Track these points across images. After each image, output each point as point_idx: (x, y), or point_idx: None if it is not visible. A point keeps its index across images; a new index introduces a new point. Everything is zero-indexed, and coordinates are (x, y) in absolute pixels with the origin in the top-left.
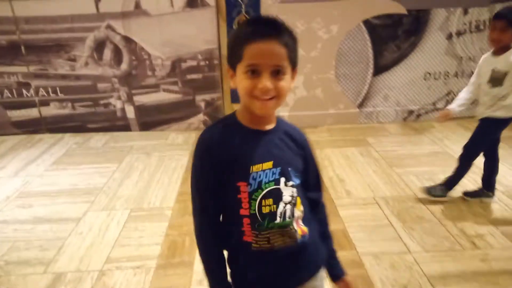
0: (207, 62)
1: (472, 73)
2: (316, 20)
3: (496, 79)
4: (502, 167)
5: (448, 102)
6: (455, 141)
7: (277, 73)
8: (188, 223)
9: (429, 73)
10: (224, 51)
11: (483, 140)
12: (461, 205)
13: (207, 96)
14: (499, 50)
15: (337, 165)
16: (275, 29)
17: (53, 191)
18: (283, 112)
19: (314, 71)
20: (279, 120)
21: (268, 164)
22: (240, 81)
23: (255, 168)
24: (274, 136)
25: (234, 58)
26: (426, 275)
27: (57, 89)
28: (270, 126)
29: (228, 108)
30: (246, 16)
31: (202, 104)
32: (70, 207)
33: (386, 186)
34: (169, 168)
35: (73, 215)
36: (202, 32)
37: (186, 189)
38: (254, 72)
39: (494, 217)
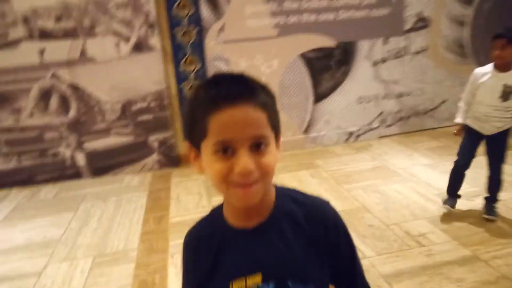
0: (157, 102)
1: (400, 94)
2: (257, 56)
3: (509, 93)
4: (434, 172)
5: (382, 122)
6: (392, 156)
7: (258, 147)
8: (156, 261)
9: (362, 97)
10: (173, 90)
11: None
12: (403, 210)
13: (160, 136)
14: (504, 67)
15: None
16: (246, 88)
17: (7, 248)
18: None
19: None
20: (279, 200)
21: (255, 278)
22: (209, 164)
23: (236, 285)
24: (267, 233)
25: (195, 135)
26: (382, 276)
27: (1, 142)
28: (261, 218)
29: (182, 146)
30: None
31: (155, 144)
32: (28, 262)
33: (338, 201)
34: (128, 210)
35: (32, 270)
36: (150, 74)
37: (149, 228)
38: (226, 150)
39: (432, 217)
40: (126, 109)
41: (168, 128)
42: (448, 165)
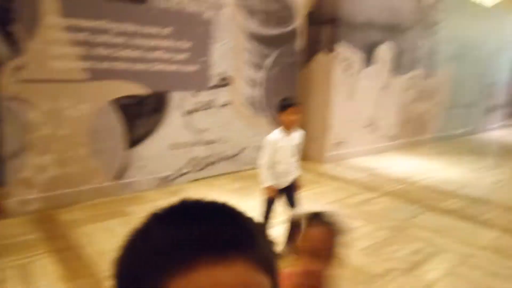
0: None
1: (209, 141)
2: (63, 99)
3: (295, 150)
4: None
5: (193, 167)
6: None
7: None
8: None
9: (174, 144)
10: None
11: None
12: None
13: None
14: (290, 129)
15: (99, 240)
16: (240, 231)
17: None
18: (30, 195)
19: (66, 149)
20: None
21: None
22: None
23: None
24: None
25: None
26: None
27: None
28: None
29: None
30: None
31: None
32: None
33: None
34: None
35: None
36: None
37: None
38: None
39: None
40: None
41: None
42: (248, 202)
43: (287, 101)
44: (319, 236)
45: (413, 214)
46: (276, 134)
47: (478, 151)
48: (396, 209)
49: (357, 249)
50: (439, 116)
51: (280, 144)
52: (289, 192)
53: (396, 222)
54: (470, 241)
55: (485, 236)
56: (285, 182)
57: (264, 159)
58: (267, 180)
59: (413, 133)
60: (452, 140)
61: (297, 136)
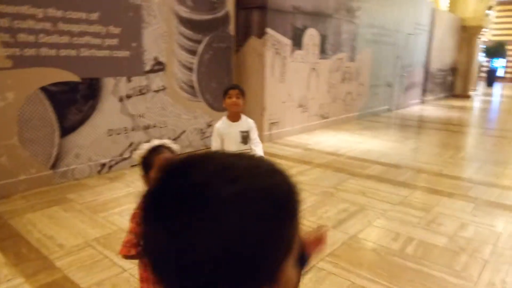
0: None
1: (147, 126)
2: None
3: (246, 138)
4: None
5: (131, 153)
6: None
7: None
8: None
9: (111, 130)
10: None
11: None
12: None
13: None
14: (235, 117)
15: (42, 226)
16: None
17: None
18: None
19: None
20: None
21: None
22: None
23: None
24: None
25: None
26: None
27: None
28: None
29: None
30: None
31: None
32: None
33: (95, 229)
34: None
35: None
36: None
37: None
38: None
39: None
40: None
41: None
42: None
43: (228, 86)
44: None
45: (340, 180)
46: (222, 122)
47: (398, 124)
48: (326, 178)
49: None
50: (363, 95)
51: (226, 131)
52: None
53: (326, 189)
54: (388, 199)
55: (400, 194)
56: None
57: (212, 147)
58: None
59: (341, 112)
60: (375, 117)
61: (244, 124)
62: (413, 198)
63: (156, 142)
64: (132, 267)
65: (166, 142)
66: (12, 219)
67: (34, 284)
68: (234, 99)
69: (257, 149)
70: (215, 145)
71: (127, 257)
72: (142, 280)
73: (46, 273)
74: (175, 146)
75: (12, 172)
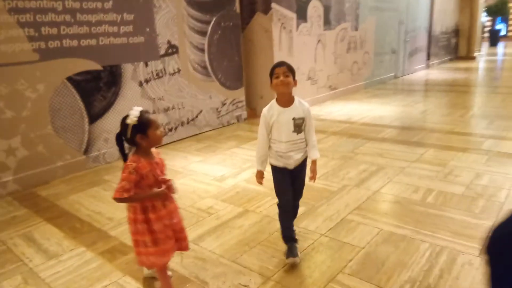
0: None
1: (167, 108)
2: (20, 82)
3: (299, 126)
4: (206, 165)
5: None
6: (171, 160)
7: None
8: None
9: None
10: None
11: None
12: (191, 195)
13: None
14: (287, 102)
15: (88, 204)
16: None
17: None
18: (5, 177)
19: (31, 130)
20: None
21: None
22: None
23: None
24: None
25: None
26: (190, 241)
27: None
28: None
29: None
30: None
31: None
32: None
33: None
34: None
35: None
36: None
37: None
38: None
39: (213, 194)
40: None
41: None
42: (214, 158)
43: (274, 64)
44: (157, 121)
45: (357, 145)
46: (270, 107)
47: (406, 90)
48: (342, 144)
49: (317, 176)
50: (369, 63)
51: (275, 119)
52: (296, 174)
53: (344, 153)
54: (404, 158)
55: (415, 152)
56: (290, 163)
57: (258, 138)
58: (257, 163)
59: (348, 82)
60: (382, 84)
61: (299, 109)
62: (429, 155)
63: (135, 109)
64: None
65: (137, 108)
66: (58, 200)
67: (95, 251)
68: (282, 78)
69: (313, 149)
70: (262, 136)
71: (120, 200)
72: (130, 222)
73: (104, 241)
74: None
75: (49, 159)
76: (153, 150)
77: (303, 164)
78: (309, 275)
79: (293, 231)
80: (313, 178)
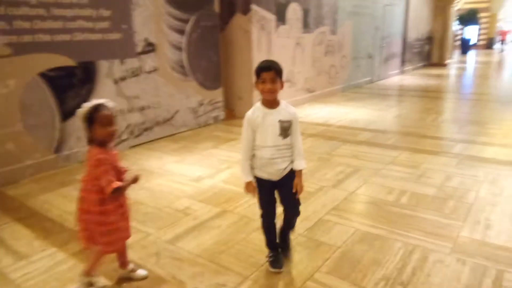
0: None
1: (142, 107)
2: None
3: (286, 129)
4: (182, 165)
5: (130, 133)
6: (146, 160)
7: None
8: None
9: None
10: None
11: None
12: (168, 196)
13: None
14: (272, 103)
15: (59, 204)
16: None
17: None
18: None
19: (0, 126)
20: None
21: None
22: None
23: None
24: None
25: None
26: (166, 242)
27: None
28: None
29: None
30: None
31: None
32: None
33: None
34: None
35: None
36: None
37: None
38: None
39: (189, 194)
40: None
41: None
42: (190, 158)
43: (259, 65)
44: (108, 117)
45: (333, 147)
46: (255, 109)
47: (381, 95)
48: (320, 146)
49: None
50: (346, 67)
51: (259, 121)
52: (283, 188)
53: (321, 155)
54: (379, 160)
55: (390, 155)
56: (274, 173)
57: (241, 143)
58: (243, 173)
59: (326, 85)
60: (358, 88)
61: (285, 112)
62: (402, 158)
63: (95, 101)
64: (153, 232)
65: (103, 101)
66: (28, 200)
67: (67, 252)
68: (269, 86)
69: (298, 157)
70: (246, 140)
71: (116, 190)
72: (82, 212)
73: (76, 242)
74: (111, 104)
75: (18, 157)
76: None
77: (289, 176)
78: (287, 273)
79: (278, 243)
80: (297, 193)
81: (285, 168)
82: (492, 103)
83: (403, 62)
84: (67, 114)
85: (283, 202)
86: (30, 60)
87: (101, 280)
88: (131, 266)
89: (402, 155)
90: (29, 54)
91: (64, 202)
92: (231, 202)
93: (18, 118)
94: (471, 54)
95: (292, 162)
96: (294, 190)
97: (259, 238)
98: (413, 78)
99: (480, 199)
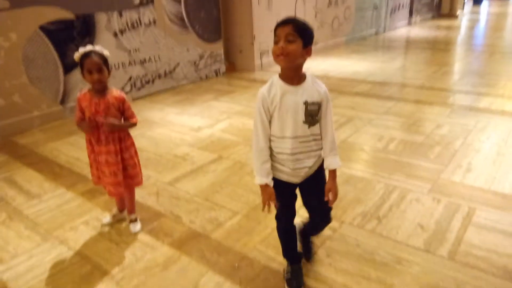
0: None
1: (143, 60)
2: None
3: (313, 115)
4: (183, 117)
5: (133, 87)
6: (149, 111)
7: None
8: None
9: (110, 65)
10: None
11: None
12: (169, 143)
13: None
14: (295, 76)
15: (67, 151)
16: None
17: None
18: None
19: (6, 78)
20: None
21: None
22: None
23: None
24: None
25: None
26: (166, 183)
27: None
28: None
29: None
30: None
31: None
32: None
33: None
34: None
35: None
36: None
37: None
38: None
39: (189, 143)
40: None
41: None
42: (191, 110)
43: (279, 22)
44: (94, 64)
45: (331, 98)
46: (271, 84)
47: (385, 47)
48: None
49: None
50: (350, 19)
51: (276, 103)
52: (308, 193)
53: None
54: (374, 111)
55: (385, 106)
56: (295, 174)
57: (254, 134)
58: (257, 173)
59: (328, 37)
60: (363, 40)
61: (312, 91)
62: (397, 108)
63: (88, 47)
64: (153, 175)
65: (98, 48)
66: (37, 148)
67: (76, 191)
68: (281, 44)
69: (331, 153)
70: (261, 129)
71: (77, 125)
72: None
73: (83, 183)
74: (106, 52)
75: (26, 108)
76: (113, 90)
77: (316, 178)
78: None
79: (299, 253)
80: (330, 201)
81: (311, 166)
82: (499, 55)
83: (411, 13)
84: (69, 67)
85: (308, 209)
86: (29, 13)
87: (108, 217)
88: (131, 216)
89: (397, 105)
90: (27, 7)
91: (71, 149)
92: (227, 149)
93: (22, 71)
94: (484, 5)
95: (320, 158)
96: (326, 198)
97: (251, 181)
98: (421, 29)
99: (466, 146)
